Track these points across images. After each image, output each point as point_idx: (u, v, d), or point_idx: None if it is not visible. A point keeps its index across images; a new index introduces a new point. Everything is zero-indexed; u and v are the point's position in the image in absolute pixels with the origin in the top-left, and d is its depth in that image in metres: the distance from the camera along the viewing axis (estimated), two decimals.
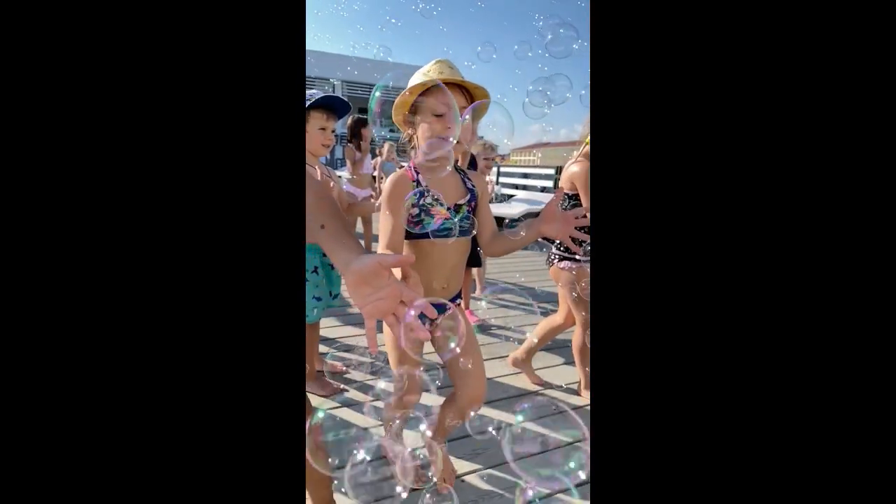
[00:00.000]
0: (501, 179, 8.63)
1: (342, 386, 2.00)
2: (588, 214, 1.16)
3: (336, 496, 1.22)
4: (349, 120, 3.45)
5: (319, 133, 1.61)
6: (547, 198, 6.70)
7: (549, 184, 7.99)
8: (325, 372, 2.02)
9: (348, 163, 3.62)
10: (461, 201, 1.14)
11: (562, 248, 1.88)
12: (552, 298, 2.58)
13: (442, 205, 1.09)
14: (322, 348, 2.28)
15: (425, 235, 1.09)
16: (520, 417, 0.97)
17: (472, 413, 1.24)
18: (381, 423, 1.71)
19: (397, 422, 1.04)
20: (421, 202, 1.08)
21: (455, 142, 1.00)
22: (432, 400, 1.69)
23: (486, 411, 1.84)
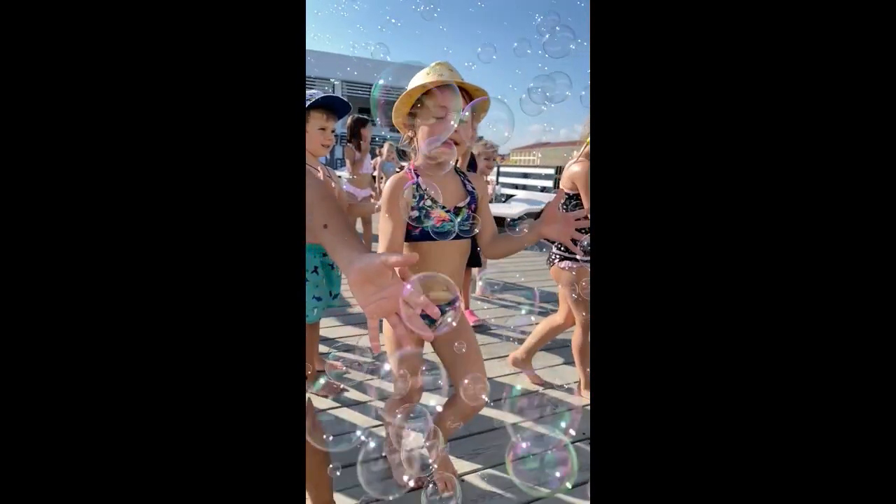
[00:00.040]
0: (501, 179, 8.63)
1: (342, 386, 2.00)
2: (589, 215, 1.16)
3: (336, 496, 1.23)
4: (349, 120, 3.45)
5: (319, 133, 1.61)
6: (547, 198, 6.70)
7: (549, 184, 7.99)
8: (326, 372, 2.01)
9: (348, 163, 3.62)
10: (461, 204, 1.14)
11: (562, 249, 1.87)
12: (552, 298, 2.58)
13: (442, 207, 1.09)
14: (322, 348, 2.28)
15: (425, 237, 1.09)
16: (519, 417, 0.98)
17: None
18: (381, 423, 1.72)
19: (398, 422, 1.04)
20: (420, 204, 1.08)
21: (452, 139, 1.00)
22: (432, 400, 1.69)
23: (485, 411, 1.84)
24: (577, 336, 1.95)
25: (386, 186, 1.10)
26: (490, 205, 1.39)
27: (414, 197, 1.08)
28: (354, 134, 3.50)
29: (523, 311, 3.17)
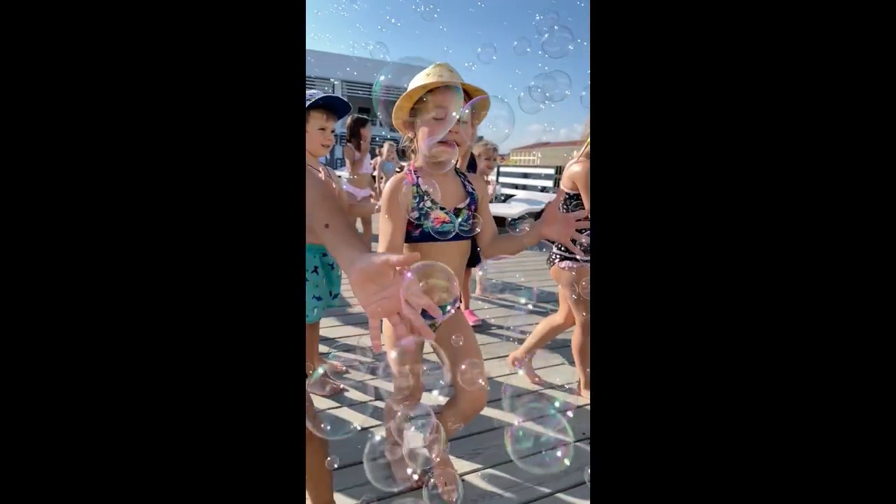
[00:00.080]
0: (501, 179, 8.63)
1: (342, 386, 2.00)
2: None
3: (336, 496, 1.23)
4: (348, 120, 3.44)
5: (319, 133, 1.61)
6: (547, 198, 6.70)
7: (549, 184, 7.99)
8: (327, 372, 2.02)
9: (348, 163, 3.62)
10: (461, 205, 1.14)
11: (562, 249, 1.87)
12: (552, 298, 2.58)
13: (441, 209, 1.09)
14: (322, 348, 2.28)
15: (425, 238, 1.09)
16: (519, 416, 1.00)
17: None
18: (381, 423, 1.72)
19: (398, 422, 1.04)
20: (420, 206, 1.08)
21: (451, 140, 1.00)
22: (433, 400, 1.69)
23: (485, 411, 1.84)
24: (577, 336, 1.95)
25: (386, 187, 1.10)
26: (490, 205, 1.39)
27: (414, 198, 1.08)
28: (354, 134, 3.50)
29: (523, 303, 3.17)
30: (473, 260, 2.72)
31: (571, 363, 2.20)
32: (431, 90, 1.03)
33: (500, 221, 1.24)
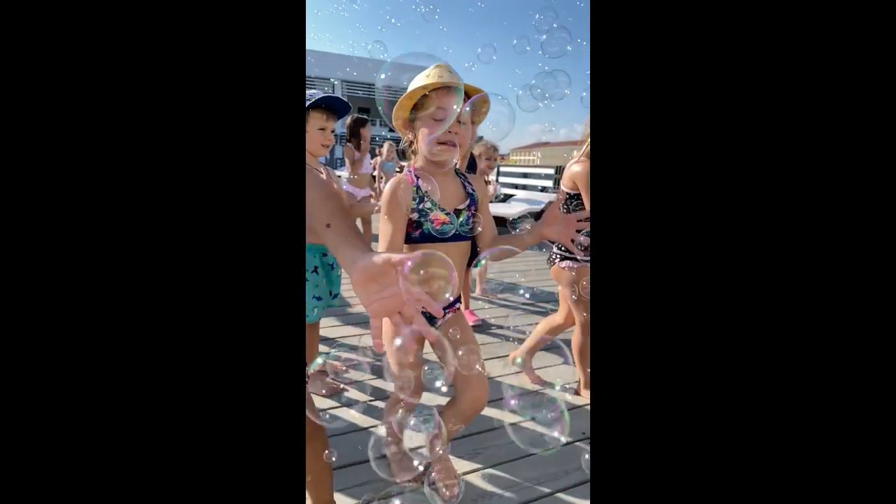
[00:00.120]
0: (501, 179, 8.63)
1: (342, 385, 2.00)
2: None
3: (336, 496, 1.23)
4: (348, 120, 3.44)
5: (319, 133, 1.61)
6: (547, 198, 6.71)
7: (549, 184, 7.99)
8: (327, 371, 2.02)
9: (347, 163, 3.62)
10: (461, 206, 1.14)
11: (562, 249, 1.88)
12: (552, 298, 2.58)
13: (441, 210, 1.09)
14: (322, 348, 2.28)
15: (425, 239, 1.09)
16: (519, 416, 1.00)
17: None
18: (381, 422, 1.72)
19: (398, 421, 1.04)
20: (420, 207, 1.08)
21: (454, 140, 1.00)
22: (433, 400, 1.69)
23: (485, 411, 1.84)
24: (577, 336, 1.95)
25: (386, 188, 1.10)
26: (490, 205, 1.39)
27: (413, 199, 1.08)
28: (354, 134, 3.50)
29: (523, 312, 3.17)
30: (473, 260, 2.72)
31: (571, 363, 2.20)
32: (431, 90, 1.04)
33: (500, 221, 1.24)
